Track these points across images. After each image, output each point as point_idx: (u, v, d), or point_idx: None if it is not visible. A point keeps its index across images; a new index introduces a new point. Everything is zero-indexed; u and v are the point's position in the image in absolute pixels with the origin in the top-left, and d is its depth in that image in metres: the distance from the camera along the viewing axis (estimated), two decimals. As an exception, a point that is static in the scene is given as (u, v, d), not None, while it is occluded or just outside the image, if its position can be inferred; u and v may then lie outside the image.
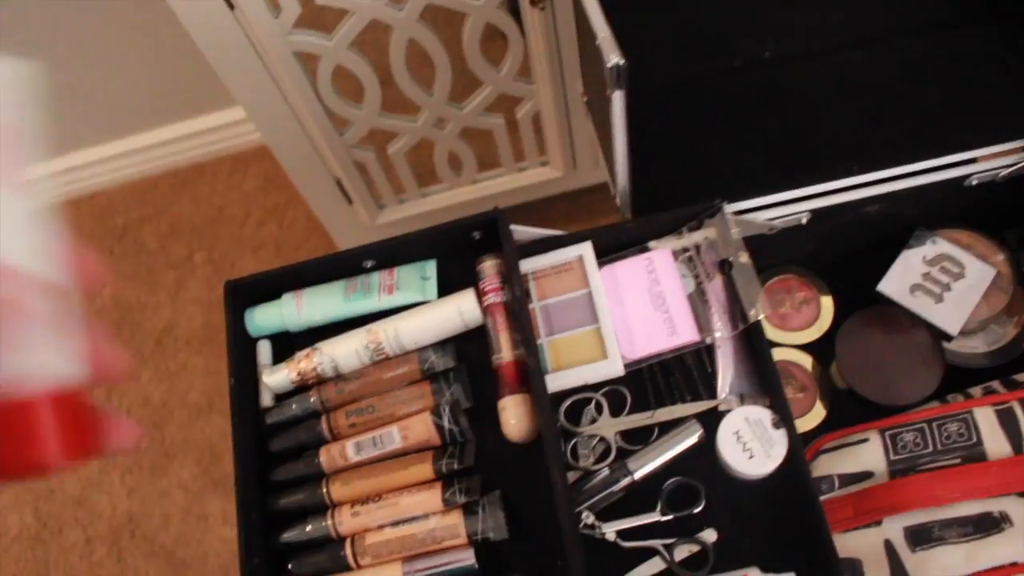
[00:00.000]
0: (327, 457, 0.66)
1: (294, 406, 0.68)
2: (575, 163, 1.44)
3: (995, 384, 0.78)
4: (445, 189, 1.46)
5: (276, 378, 0.68)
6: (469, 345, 0.70)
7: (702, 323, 0.70)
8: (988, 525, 0.66)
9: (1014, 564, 0.65)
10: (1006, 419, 0.69)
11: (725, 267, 0.70)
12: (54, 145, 1.66)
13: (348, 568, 0.64)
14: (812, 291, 0.85)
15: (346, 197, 1.41)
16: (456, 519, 0.62)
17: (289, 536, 0.65)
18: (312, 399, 0.68)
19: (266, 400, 0.69)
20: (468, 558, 0.62)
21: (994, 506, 0.67)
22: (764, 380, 0.68)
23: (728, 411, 0.67)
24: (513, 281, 0.66)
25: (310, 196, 1.41)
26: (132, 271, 1.70)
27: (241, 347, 0.69)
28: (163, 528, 1.53)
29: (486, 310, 0.68)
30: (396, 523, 0.63)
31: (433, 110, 1.25)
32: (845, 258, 0.86)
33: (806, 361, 0.82)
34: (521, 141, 1.39)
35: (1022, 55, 0.80)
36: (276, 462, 0.68)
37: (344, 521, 0.64)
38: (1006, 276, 0.83)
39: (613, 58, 0.62)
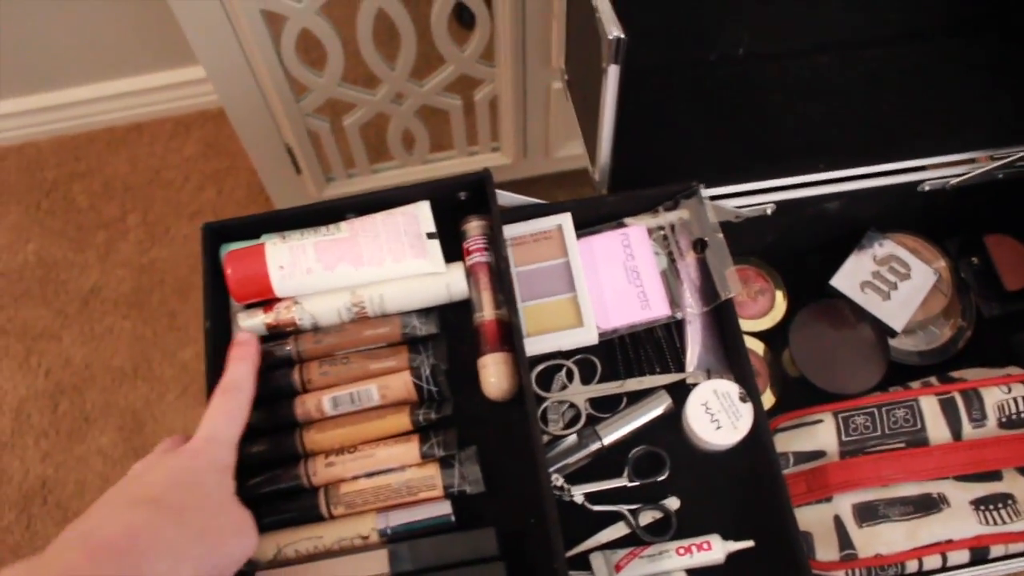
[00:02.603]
0: (302, 408, 0.66)
1: (268, 352, 0.67)
2: (526, 152, 1.46)
3: (932, 379, 0.82)
4: (395, 167, 1.46)
5: (251, 322, 0.67)
6: (447, 310, 0.70)
7: (674, 299, 0.72)
8: (928, 505, 0.70)
9: (950, 541, 0.69)
10: (948, 408, 0.73)
11: (699, 246, 0.72)
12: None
13: (321, 518, 0.63)
14: (768, 283, 0.88)
15: (295, 166, 1.39)
16: (432, 471, 0.63)
17: (259, 485, 0.64)
18: (288, 347, 0.67)
19: (239, 344, 0.68)
20: (444, 509, 0.62)
21: (933, 488, 0.71)
22: (733, 356, 0.70)
23: (695, 384, 0.69)
24: (498, 242, 0.67)
25: (259, 162, 1.39)
26: (60, 228, 1.65)
27: (217, 290, 0.68)
28: (78, 496, 1.48)
29: (470, 270, 0.69)
30: (371, 474, 0.64)
31: (393, 84, 1.25)
32: (799, 255, 0.90)
33: (759, 347, 0.85)
34: (476, 125, 1.40)
35: (978, 71, 0.85)
36: (246, 409, 0.67)
37: (318, 471, 0.64)
38: (946, 281, 0.88)
39: (614, 31, 0.63)
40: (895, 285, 0.85)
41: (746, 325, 0.86)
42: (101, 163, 1.70)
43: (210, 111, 1.71)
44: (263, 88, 1.22)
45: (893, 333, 0.84)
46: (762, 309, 0.87)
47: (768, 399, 0.83)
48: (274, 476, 0.64)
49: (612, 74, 0.67)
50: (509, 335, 0.66)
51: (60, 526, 1.44)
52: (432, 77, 1.27)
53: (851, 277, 0.86)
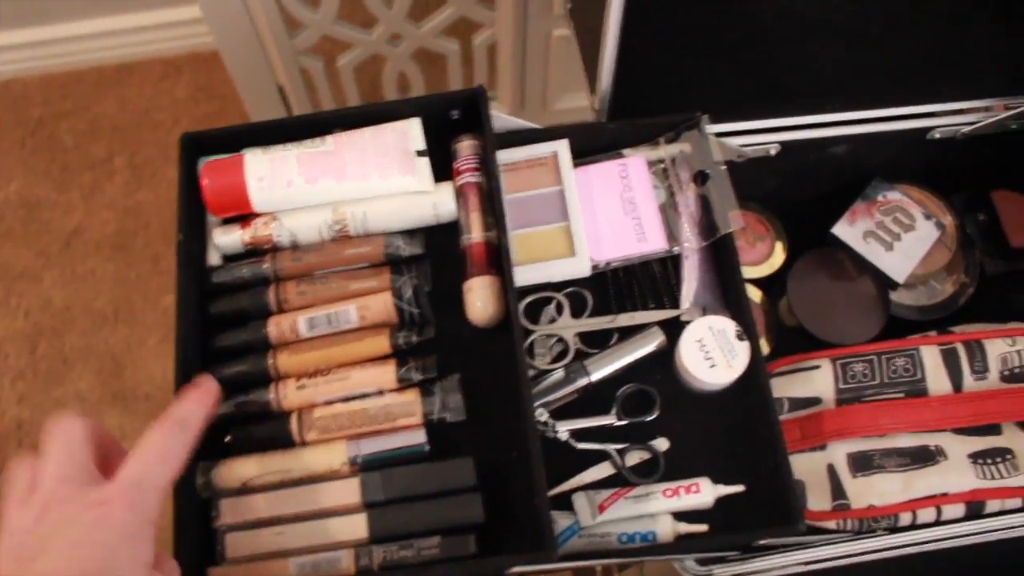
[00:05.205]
0: (276, 329, 0.63)
1: (244, 270, 0.64)
2: (523, 103, 1.43)
3: (932, 333, 0.80)
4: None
5: (227, 238, 0.64)
6: (433, 234, 0.67)
7: (671, 233, 0.69)
8: (924, 457, 0.68)
9: (945, 494, 0.66)
10: (949, 359, 0.71)
11: (701, 178, 0.70)
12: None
13: (292, 443, 0.61)
14: (767, 230, 0.85)
15: (287, 108, 1.36)
16: (412, 397, 0.60)
17: (228, 407, 0.61)
18: (265, 266, 0.64)
19: (213, 259, 0.65)
20: (418, 438, 0.59)
21: (931, 440, 0.69)
22: (731, 294, 0.68)
23: (689, 322, 0.66)
24: (490, 162, 0.63)
25: (251, 103, 1.35)
26: (44, 168, 1.61)
27: (193, 203, 0.65)
28: (53, 438, 1.45)
29: (459, 190, 0.66)
30: (347, 399, 0.61)
31: (390, 24, 1.22)
32: (801, 202, 0.87)
33: (756, 295, 0.82)
34: (473, 72, 1.37)
35: (996, 18, 0.82)
36: (218, 329, 0.64)
37: (289, 395, 0.61)
38: (950, 235, 0.86)
39: (619, -58, 0.60)
40: (898, 237, 0.83)
41: (743, 272, 0.83)
42: (89, 102, 1.66)
43: (202, 53, 1.67)
44: (256, 24, 1.18)
45: (894, 285, 0.81)
46: (760, 256, 0.84)
47: (763, 348, 0.80)
48: (243, 400, 0.61)
49: (617, -10, 0.64)
50: (497, 259, 0.63)
51: (35, 469, 1.41)
52: (430, 19, 1.23)
53: (853, 227, 0.83)
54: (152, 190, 1.59)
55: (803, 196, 0.86)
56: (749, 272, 0.84)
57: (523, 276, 0.67)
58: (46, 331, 1.51)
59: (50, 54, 1.64)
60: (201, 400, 0.53)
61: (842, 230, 0.82)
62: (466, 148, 0.67)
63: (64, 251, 1.56)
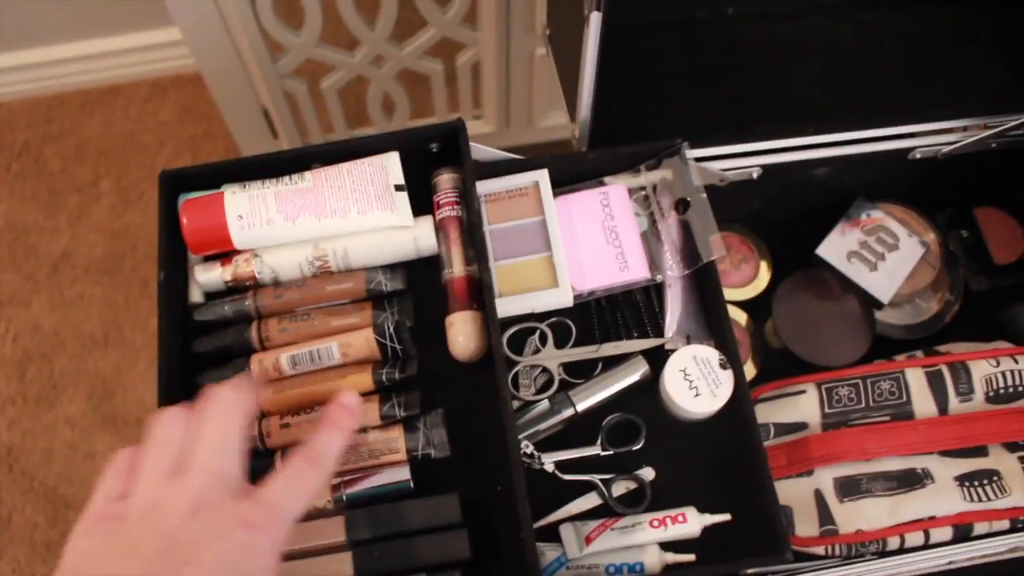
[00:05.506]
0: (259, 367, 0.63)
1: (226, 307, 0.64)
2: (508, 121, 1.42)
3: (918, 353, 0.80)
4: (375, 133, 1.42)
5: (208, 276, 0.64)
6: (415, 268, 0.67)
7: (654, 261, 0.69)
8: (911, 480, 0.68)
9: (932, 518, 0.66)
10: (935, 381, 0.70)
11: (682, 206, 0.70)
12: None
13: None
14: (751, 251, 0.86)
15: (272, 130, 1.35)
16: (396, 434, 0.60)
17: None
18: (247, 303, 0.64)
19: (195, 297, 0.65)
20: (402, 475, 0.59)
21: (918, 463, 0.69)
22: (714, 321, 0.68)
23: (674, 350, 0.66)
24: (470, 196, 0.63)
25: (235, 125, 1.35)
26: (31, 192, 1.60)
27: (173, 240, 0.65)
28: (45, 464, 1.44)
29: (439, 224, 0.66)
30: (330, 437, 0.60)
31: (373, 46, 1.22)
32: (785, 223, 0.87)
33: (741, 317, 0.82)
34: (458, 91, 1.37)
35: (973, 36, 0.82)
36: (201, 366, 0.64)
37: (272, 433, 0.61)
38: (934, 253, 0.86)
39: (595, -25, 0.60)
40: (882, 256, 0.83)
41: (728, 294, 0.83)
42: (74, 125, 1.66)
43: (187, 75, 1.67)
44: (239, 47, 1.18)
45: (879, 305, 0.81)
46: (745, 278, 0.84)
47: (749, 370, 0.80)
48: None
49: (594, 22, 0.64)
50: (479, 293, 0.63)
51: (27, 495, 1.41)
52: (413, 40, 1.23)
53: (837, 247, 0.83)
54: (139, 212, 1.59)
55: (787, 217, 0.86)
56: (734, 294, 0.84)
57: (506, 307, 0.67)
58: (35, 356, 1.50)
59: (35, 77, 1.63)
60: (344, 428, 0.50)
61: (826, 250, 0.83)
62: (446, 182, 0.67)
63: (52, 275, 1.56)
